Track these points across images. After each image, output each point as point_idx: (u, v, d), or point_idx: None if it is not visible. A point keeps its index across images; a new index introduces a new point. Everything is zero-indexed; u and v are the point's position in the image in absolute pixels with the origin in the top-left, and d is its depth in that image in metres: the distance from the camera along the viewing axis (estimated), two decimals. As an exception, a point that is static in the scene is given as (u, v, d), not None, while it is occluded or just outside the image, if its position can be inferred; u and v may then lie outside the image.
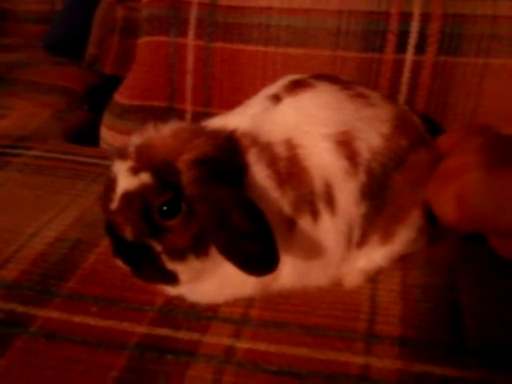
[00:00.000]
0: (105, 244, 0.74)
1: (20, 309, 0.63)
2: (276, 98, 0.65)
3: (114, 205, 0.56)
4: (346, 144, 0.61)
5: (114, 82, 1.48)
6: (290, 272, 0.61)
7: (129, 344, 0.58)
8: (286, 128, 0.61)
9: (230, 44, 0.98)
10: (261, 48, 0.96)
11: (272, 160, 0.59)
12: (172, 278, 0.58)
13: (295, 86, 0.67)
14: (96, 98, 1.51)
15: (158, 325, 0.61)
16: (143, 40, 1.08)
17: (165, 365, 0.56)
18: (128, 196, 0.55)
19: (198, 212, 0.55)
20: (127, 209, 0.55)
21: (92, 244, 0.75)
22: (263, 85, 0.96)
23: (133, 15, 1.70)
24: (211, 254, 0.58)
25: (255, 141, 0.60)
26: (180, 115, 1.04)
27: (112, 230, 0.56)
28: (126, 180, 0.56)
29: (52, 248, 0.74)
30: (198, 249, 0.57)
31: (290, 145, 0.60)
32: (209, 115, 1.01)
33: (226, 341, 0.59)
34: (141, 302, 0.64)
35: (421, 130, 0.70)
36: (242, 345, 0.58)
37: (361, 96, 0.66)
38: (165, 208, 0.55)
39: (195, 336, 0.59)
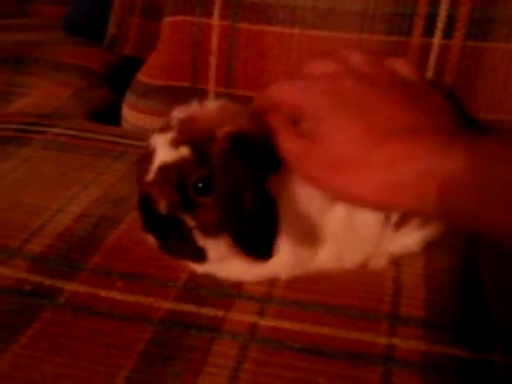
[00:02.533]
0: (129, 221, 0.75)
1: (47, 281, 0.64)
2: None
3: (150, 176, 0.56)
4: None
5: (133, 63, 1.49)
6: (328, 250, 0.62)
7: (154, 318, 0.59)
8: None
9: (256, 25, 0.97)
10: (286, 29, 0.96)
11: None
12: (200, 255, 0.58)
13: None
14: (116, 78, 1.52)
15: (182, 301, 0.61)
16: (168, 19, 1.07)
17: (190, 340, 0.56)
18: (165, 168, 0.55)
19: (216, 182, 0.55)
20: (163, 181, 0.55)
21: (116, 220, 0.75)
22: (287, 66, 0.96)
23: (154, -4, 1.69)
24: None
25: None
26: (203, 96, 1.04)
27: (145, 202, 0.57)
28: (164, 152, 0.56)
29: (77, 223, 0.75)
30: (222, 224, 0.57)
31: None
32: (231, 96, 1.02)
33: (250, 318, 0.59)
34: (165, 278, 0.65)
35: None
36: (266, 322, 0.59)
37: None
38: (200, 185, 0.55)
39: (220, 313, 0.60)
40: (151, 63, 1.12)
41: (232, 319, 0.59)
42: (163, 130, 0.58)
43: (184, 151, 0.55)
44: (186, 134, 0.56)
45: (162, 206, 0.56)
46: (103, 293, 0.62)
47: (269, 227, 0.53)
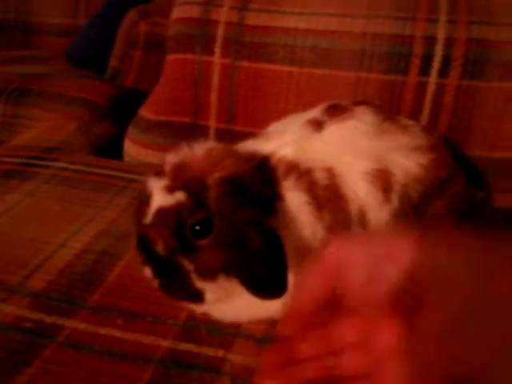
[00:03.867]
0: (129, 257, 0.76)
1: (47, 319, 0.64)
2: (318, 125, 0.67)
3: (147, 219, 0.57)
4: (381, 175, 0.63)
5: (135, 96, 1.51)
6: None
7: (154, 358, 0.59)
8: (328, 157, 0.63)
9: (255, 63, 1.00)
10: (285, 68, 0.98)
11: (311, 186, 0.61)
12: (198, 297, 0.58)
13: (337, 113, 0.68)
14: (118, 110, 1.54)
15: (182, 340, 0.62)
16: (170, 57, 1.09)
17: (190, 380, 0.56)
18: (162, 212, 0.57)
19: (217, 227, 0.56)
20: (161, 224, 0.56)
21: (117, 257, 0.76)
22: (286, 104, 0.98)
23: (156, 31, 1.73)
24: None
25: (295, 168, 0.61)
26: (204, 131, 1.06)
27: (144, 243, 0.58)
28: (161, 197, 0.57)
29: (78, 259, 0.75)
30: (228, 268, 0.57)
31: (331, 173, 0.62)
32: (232, 132, 1.04)
33: (250, 360, 0.59)
34: (165, 316, 0.65)
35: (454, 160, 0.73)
36: (266, 363, 0.59)
37: (402, 128, 0.69)
38: (197, 228, 0.56)
39: (219, 353, 0.60)
40: (153, 99, 1.14)
41: (231, 360, 0.59)
42: (158, 174, 0.60)
43: (180, 196, 0.56)
44: (180, 180, 0.57)
45: (160, 248, 0.57)
46: (103, 330, 0.63)
47: (279, 265, 0.54)
